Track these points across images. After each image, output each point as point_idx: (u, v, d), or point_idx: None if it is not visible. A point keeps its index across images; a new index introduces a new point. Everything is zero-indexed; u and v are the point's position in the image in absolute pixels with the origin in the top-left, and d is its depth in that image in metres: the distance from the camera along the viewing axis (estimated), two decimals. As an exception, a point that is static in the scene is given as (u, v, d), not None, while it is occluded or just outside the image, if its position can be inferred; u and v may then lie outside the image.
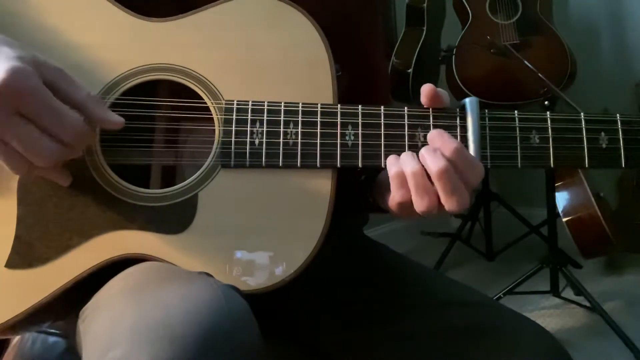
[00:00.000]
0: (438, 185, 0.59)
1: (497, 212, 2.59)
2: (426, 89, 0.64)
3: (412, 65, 2.17)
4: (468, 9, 2.23)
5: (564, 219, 2.13)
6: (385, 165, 0.63)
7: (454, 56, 2.16)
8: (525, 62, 1.77)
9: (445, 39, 2.34)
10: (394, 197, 0.62)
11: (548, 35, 2.14)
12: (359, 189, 0.77)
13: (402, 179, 0.61)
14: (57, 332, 0.83)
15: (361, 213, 0.90)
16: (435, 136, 0.62)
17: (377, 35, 0.89)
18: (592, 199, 2.10)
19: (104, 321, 0.54)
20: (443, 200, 0.59)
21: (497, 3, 2.20)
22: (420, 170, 0.60)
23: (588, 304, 1.87)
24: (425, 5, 2.22)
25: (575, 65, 2.11)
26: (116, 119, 0.61)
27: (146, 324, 0.48)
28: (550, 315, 2.01)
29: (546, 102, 1.78)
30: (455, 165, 0.60)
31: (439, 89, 0.65)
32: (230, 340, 0.49)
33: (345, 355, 0.75)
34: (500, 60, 2.01)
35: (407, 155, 0.62)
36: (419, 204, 0.60)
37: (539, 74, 1.74)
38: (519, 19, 2.16)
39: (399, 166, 0.62)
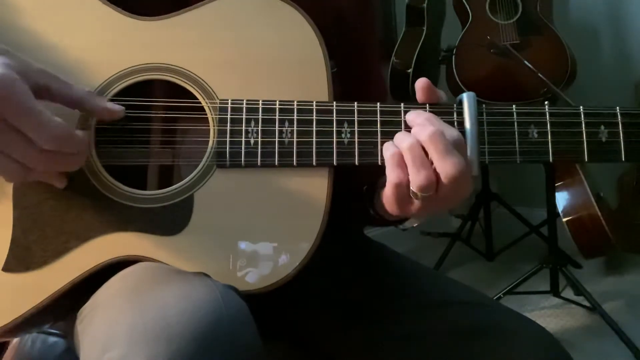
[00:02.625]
0: (430, 149, 0.59)
1: (497, 212, 2.58)
2: (421, 82, 0.63)
3: (412, 65, 2.17)
4: (468, 9, 2.23)
5: (564, 219, 2.13)
6: (382, 163, 0.62)
7: (454, 56, 2.15)
8: (525, 62, 1.77)
9: (445, 39, 2.33)
10: (390, 180, 0.61)
11: (548, 35, 2.14)
12: (360, 199, 0.76)
13: (399, 157, 0.60)
14: (57, 332, 0.83)
15: (362, 224, 0.89)
16: (414, 116, 0.63)
17: (372, 33, 0.89)
18: (592, 199, 2.10)
19: (101, 322, 0.54)
20: (439, 166, 0.58)
21: (497, 3, 2.20)
22: (417, 142, 0.60)
23: (588, 304, 1.87)
24: (425, 5, 2.22)
25: (575, 65, 2.11)
26: (117, 108, 0.62)
27: (144, 324, 0.48)
28: (550, 315, 2.01)
29: (546, 102, 1.77)
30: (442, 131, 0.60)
31: (439, 90, 0.64)
32: (228, 341, 0.49)
33: (345, 355, 0.75)
34: (500, 60, 2.01)
35: (401, 134, 0.62)
36: (416, 177, 0.59)
37: (539, 74, 1.74)
38: (519, 19, 2.16)
39: (395, 146, 0.61)
